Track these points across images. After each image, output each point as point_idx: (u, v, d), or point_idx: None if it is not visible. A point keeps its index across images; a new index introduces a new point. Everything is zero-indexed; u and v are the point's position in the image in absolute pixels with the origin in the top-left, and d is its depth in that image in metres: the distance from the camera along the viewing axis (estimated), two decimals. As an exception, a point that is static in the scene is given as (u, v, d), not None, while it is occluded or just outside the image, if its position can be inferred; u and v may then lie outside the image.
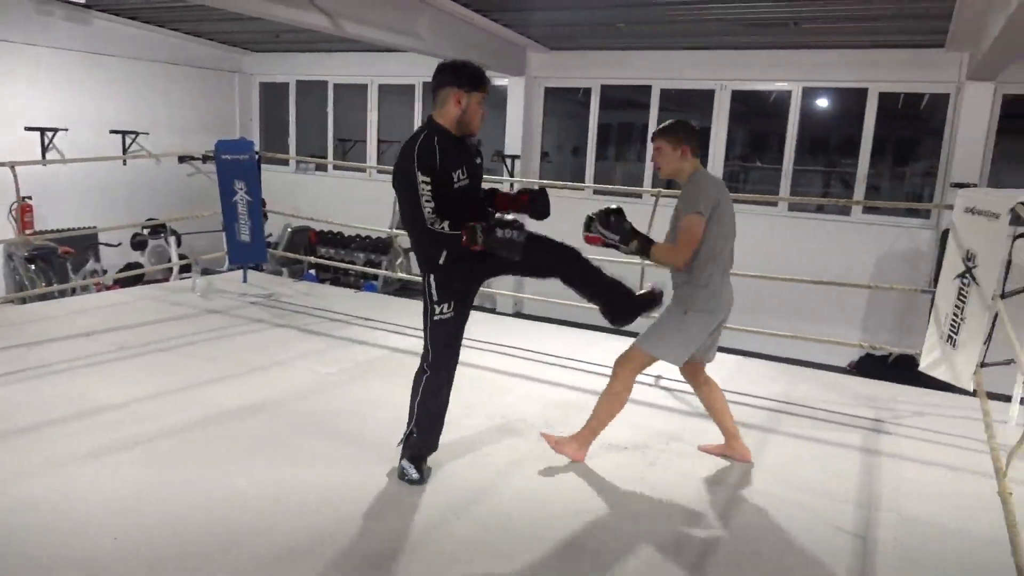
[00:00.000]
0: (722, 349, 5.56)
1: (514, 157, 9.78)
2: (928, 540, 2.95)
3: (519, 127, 9.83)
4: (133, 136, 9.77)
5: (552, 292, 5.46)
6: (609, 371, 3.36)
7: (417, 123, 10.68)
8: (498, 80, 9.90)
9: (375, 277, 9.44)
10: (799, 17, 7.12)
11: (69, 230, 8.34)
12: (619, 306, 3.18)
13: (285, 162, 11.23)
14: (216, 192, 6.10)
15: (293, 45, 10.65)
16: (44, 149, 8.85)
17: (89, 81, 9.50)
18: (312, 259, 8.81)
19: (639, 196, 9.17)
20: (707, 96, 8.95)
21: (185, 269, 7.45)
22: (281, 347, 4.93)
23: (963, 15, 6.10)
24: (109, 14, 9.32)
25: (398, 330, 5.49)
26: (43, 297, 6.67)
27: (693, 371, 3.48)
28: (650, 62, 9.07)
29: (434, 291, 3.04)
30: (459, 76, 2.99)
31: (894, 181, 8.97)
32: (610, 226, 3.11)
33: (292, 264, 9.27)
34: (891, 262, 8.08)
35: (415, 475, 3.15)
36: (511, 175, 9.71)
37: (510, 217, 2.87)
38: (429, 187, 2.83)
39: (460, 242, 2.83)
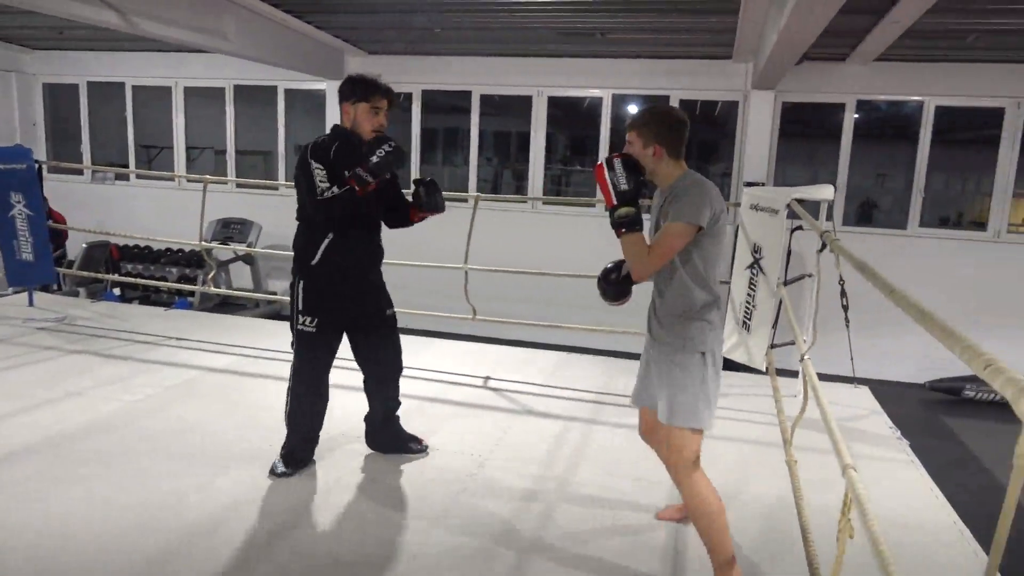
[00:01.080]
0: (543, 346, 5.77)
1: (337, 163, 9.52)
2: (731, 510, 3.21)
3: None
4: None
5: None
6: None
7: (229, 128, 10.11)
8: (316, 84, 9.61)
9: (191, 293, 8.82)
10: (605, 28, 7.53)
11: None
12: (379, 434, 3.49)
13: (79, 171, 10.20)
14: None
15: (82, 43, 9.69)
16: None
17: None
18: (114, 277, 8.06)
19: (464, 201, 9.31)
20: (526, 102, 9.22)
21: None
22: (77, 376, 4.44)
23: (745, 30, 6.74)
24: None
25: (215, 348, 5.15)
26: None
27: (654, 425, 2.67)
28: (469, 68, 9.20)
29: (300, 299, 3.11)
30: (346, 89, 3.12)
31: (697, 181, 9.73)
32: (625, 170, 2.51)
33: (90, 283, 8.44)
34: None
35: (280, 468, 3.25)
36: (334, 181, 9.45)
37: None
38: (323, 171, 2.96)
39: (353, 198, 2.91)
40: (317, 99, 9.86)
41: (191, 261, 9.46)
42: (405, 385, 4.53)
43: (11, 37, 9.76)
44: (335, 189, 2.93)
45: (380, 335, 3.29)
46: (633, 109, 9.47)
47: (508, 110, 9.80)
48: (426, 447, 3.56)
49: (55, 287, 7.05)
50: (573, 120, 9.88)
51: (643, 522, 3.04)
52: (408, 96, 9.61)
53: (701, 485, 2.51)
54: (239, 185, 9.38)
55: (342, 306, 3.14)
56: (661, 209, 2.53)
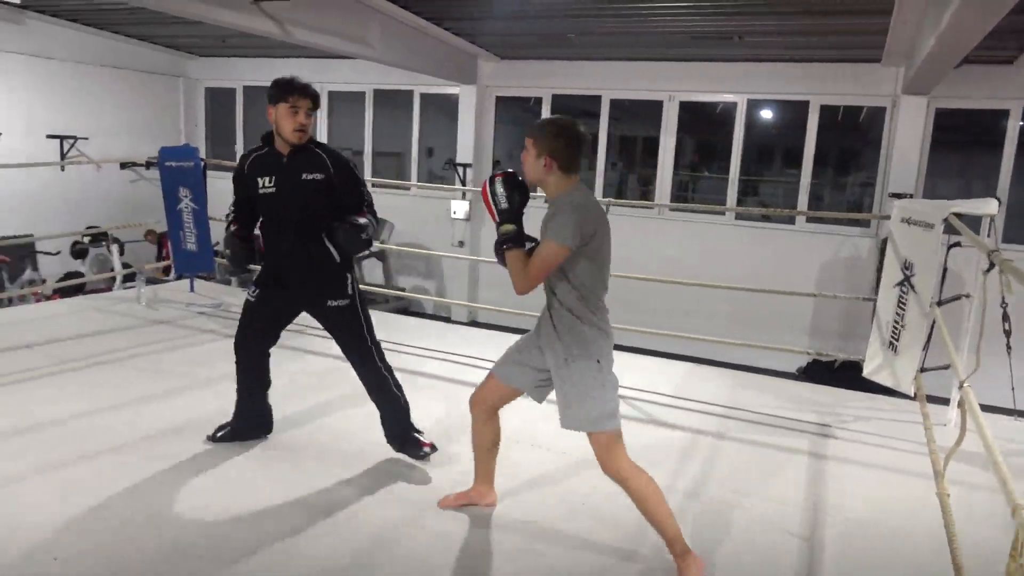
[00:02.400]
0: (673, 355, 5.68)
1: (466, 165, 9.79)
2: (871, 540, 3.06)
3: (471, 136, 9.86)
4: (72, 141, 9.46)
5: (507, 301, 5.48)
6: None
7: (368, 130, 10.61)
8: (449, 88, 9.91)
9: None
10: (743, 31, 7.32)
11: (4, 238, 8.02)
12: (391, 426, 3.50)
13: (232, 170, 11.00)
14: (160, 199, 5.95)
15: (240, 50, 10.47)
16: (63, 155, 8.62)
17: (24, 84, 9.17)
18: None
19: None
20: (656, 107, 9.12)
21: (129, 278, 7.24)
22: (231, 358, 4.81)
23: (898, 32, 6.36)
24: (47, 15, 9.02)
25: (351, 340, 5.43)
26: (-24, 308, 6.40)
27: (496, 402, 2.85)
28: (600, 72, 9.20)
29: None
30: (269, 92, 3.17)
31: (836, 191, 9.28)
32: (505, 188, 2.59)
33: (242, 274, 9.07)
34: (834, 270, 8.35)
35: (218, 435, 3.56)
36: (463, 183, 9.72)
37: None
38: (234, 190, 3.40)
39: (234, 236, 3.34)
40: (451, 103, 10.17)
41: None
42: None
43: (180, 45, 10.68)
44: (230, 216, 3.42)
45: (331, 324, 3.42)
46: (769, 115, 9.15)
47: (635, 114, 9.73)
48: (425, 454, 3.42)
49: (212, 276, 7.65)
50: (703, 125, 9.67)
51: (776, 541, 2.95)
52: (538, 100, 9.73)
53: (633, 473, 2.60)
54: (374, 185, 9.82)
55: (277, 292, 3.38)
56: (543, 222, 2.57)
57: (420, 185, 9.95)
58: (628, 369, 5.00)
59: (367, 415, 3.59)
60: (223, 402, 4.03)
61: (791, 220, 8.58)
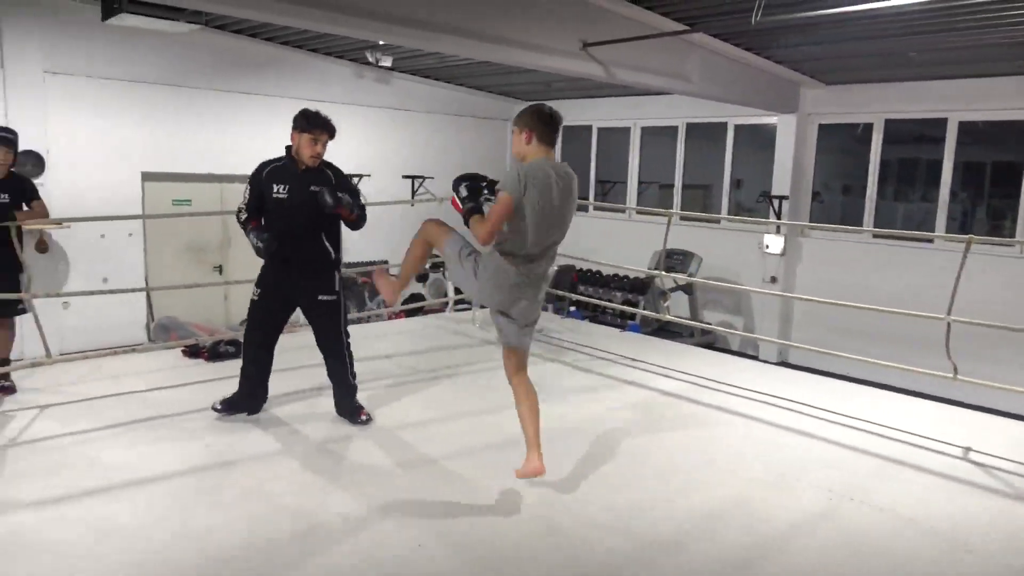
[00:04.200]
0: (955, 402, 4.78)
1: (782, 198, 9.35)
2: None
3: (788, 167, 9.40)
4: (421, 180, 10.94)
5: (824, 341, 5.09)
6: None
7: (679, 164, 10.67)
8: (766, 118, 9.57)
9: (633, 316, 9.52)
10: None
11: (367, 263, 9.52)
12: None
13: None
14: None
15: (562, 93, 11.25)
16: (413, 192, 10.50)
17: (387, 133, 10.84)
18: (573, 296, 9.10)
19: (930, 241, 8.32)
20: (1013, 127, 7.86)
21: (461, 301, 8.11)
22: (555, 380, 5.15)
23: None
24: (407, 74, 10.59)
25: (664, 372, 5.47)
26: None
27: (516, 364, 3.41)
28: (945, 92, 8.20)
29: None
30: (297, 119, 3.96)
31: None
32: (463, 182, 3.31)
33: (555, 300, 9.67)
34: None
35: (217, 406, 4.17)
36: (778, 217, 9.29)
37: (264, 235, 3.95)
38: (248, 191, 4.05)
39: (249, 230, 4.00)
40: (764, 133, 9.82)
41: (634, 287, 10.22)
42: (869, 440, 4.23)
43: (510, 92, 11.80)
44: (241, 217, 4.04)
45: (316, 315, 4.12)
46: None
47: (995, 138, 8.45)
48: (367, 419, 4.15)
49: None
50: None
51: None
52: (868, 126, 8.97)
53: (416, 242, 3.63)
54: (682, 218, 9.83)
55: (277, 290, 4.08)
56: None
57: (731, 219, 9.71)
58: (986, 428, 4.35)
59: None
60: (565, 420, 4.26)
61: None
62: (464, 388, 5.02)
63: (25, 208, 4.71)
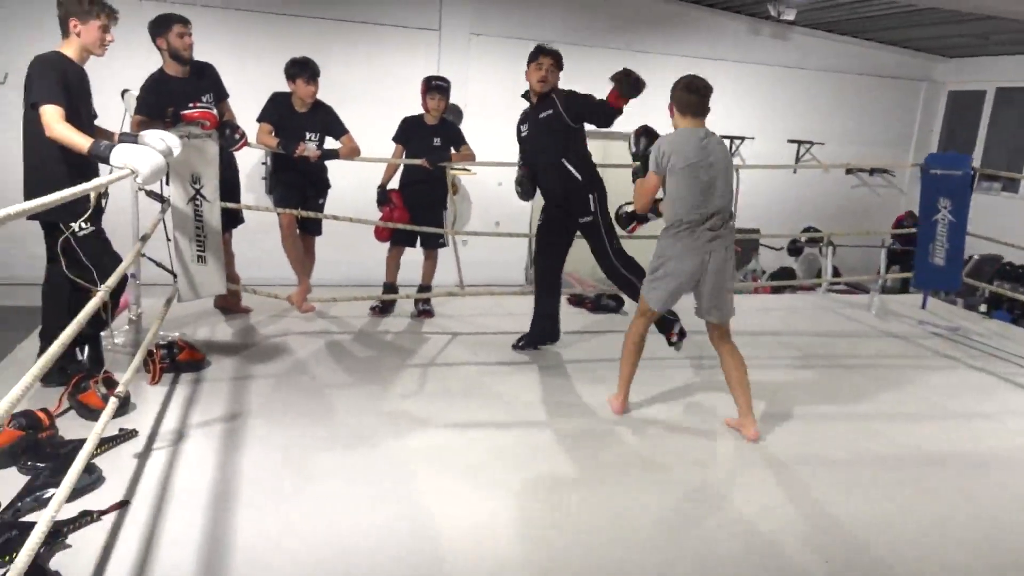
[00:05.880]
0: None
1: None
2: None
3: None
4: (807, 146, 10.01)
5: None
6: None
7: None
8: None
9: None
10: None
11: (739, 231, 9.00)
12: None
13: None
14: (877, 208, 5.63)
15: (1000, 47, 9.29)
16: (797, 158, 9.93)
17: (776, 93, 10.05)
18: (991, 289, 7.53)
19: None
20: None
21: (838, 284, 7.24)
22: (981, 395, 4.25)
23: None
24: (809, 28, 9.64)
25: None
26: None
27: (712, 335, 3.50)
28: None
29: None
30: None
31: None
32: (640, 137, 3.72)
33: (967, 295, 8.13)
34: None
35: (520, 343, 4.56)
36: None
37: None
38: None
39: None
40: None
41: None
42: None
43: (931, 47, 10.11)
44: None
45: (585, 237, 4.31)
46: None
47: None
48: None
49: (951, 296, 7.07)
50: None
51: None
52: None
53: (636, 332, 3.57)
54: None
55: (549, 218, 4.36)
56: None
57: None
58: None
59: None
60: (977, 444, 3.51)
61: None
62: (861, 384, 4.39)
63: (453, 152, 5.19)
